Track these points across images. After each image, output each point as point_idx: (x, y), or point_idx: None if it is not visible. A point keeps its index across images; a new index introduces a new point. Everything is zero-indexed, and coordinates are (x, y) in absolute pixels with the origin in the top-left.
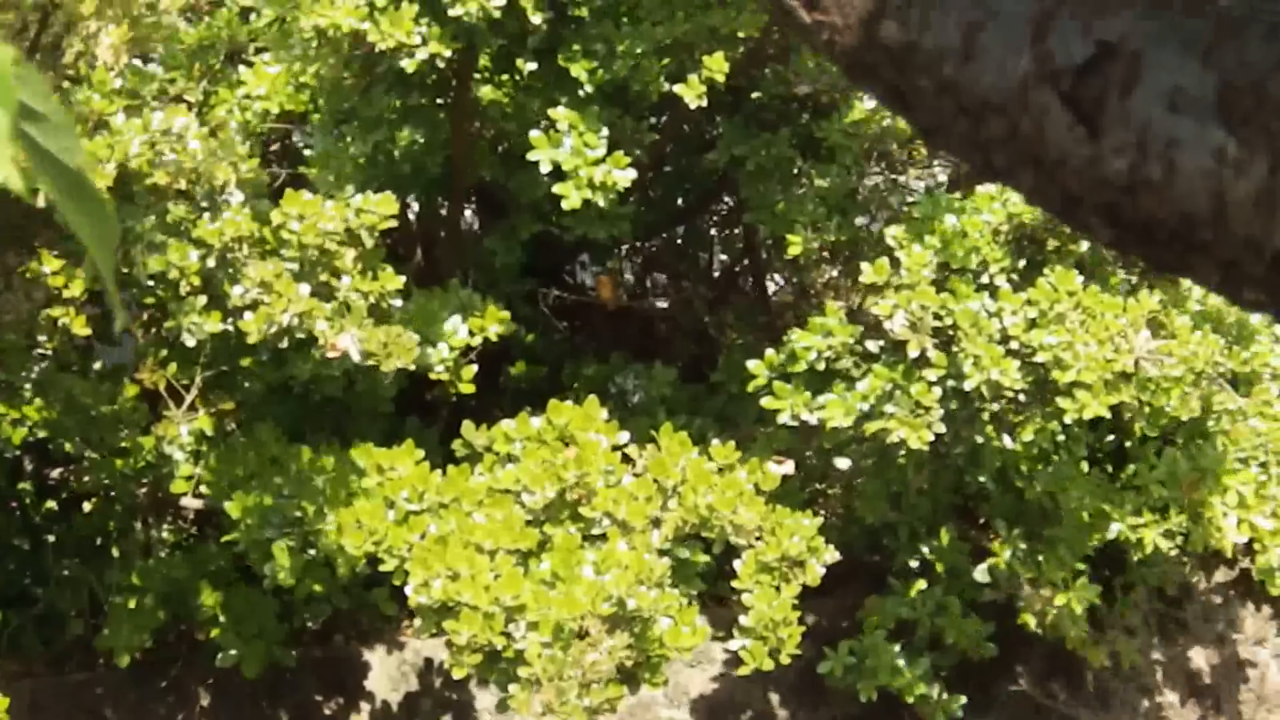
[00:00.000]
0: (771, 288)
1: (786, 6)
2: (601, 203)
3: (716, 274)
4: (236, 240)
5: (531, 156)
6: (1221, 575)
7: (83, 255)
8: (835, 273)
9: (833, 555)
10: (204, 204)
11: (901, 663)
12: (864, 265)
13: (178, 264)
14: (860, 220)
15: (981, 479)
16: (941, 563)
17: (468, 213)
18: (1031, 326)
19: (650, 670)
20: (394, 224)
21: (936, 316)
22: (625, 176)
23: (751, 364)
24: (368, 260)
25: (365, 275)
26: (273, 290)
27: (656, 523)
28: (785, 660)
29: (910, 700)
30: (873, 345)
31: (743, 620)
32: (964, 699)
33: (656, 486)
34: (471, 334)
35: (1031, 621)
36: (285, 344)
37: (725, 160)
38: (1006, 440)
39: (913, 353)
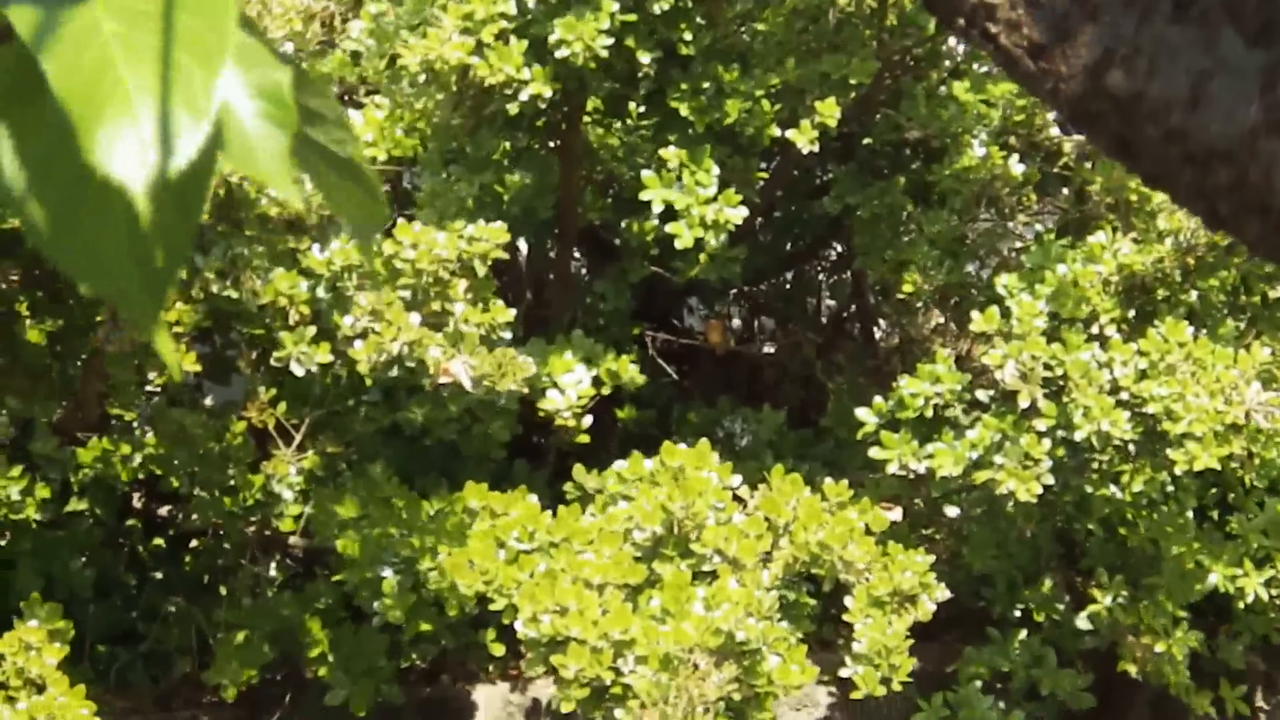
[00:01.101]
0: (878, 334)
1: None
2: (713, 242)
3: (824, 319)
4: (346, 269)
5: (644, 197)
6: None
7: (189, 287)
8: (943, 319)
9: (944, 593)
10: (313, 235)
11: (995, 715)
12: (974, 313)
13: (286, 292)
14: (969, 266)
15: (1090, 527)
16: (1041, 612)
17: (576, 256)
18: (1142, 377)
19: (758, 706)
20: (504, 256)
21: (1047, 367)
22: (737, 214)
23: (861, 412)
24: (479, 291)
25: (476, 306)
26: (383, 319)
27: (767, 560)
28: (897, 688)
29: None
30: (982, 394)
31: (855, 647)
32: None
33: (768, 525)
34: (599, 383)
35: (1132, 669)
36: (395, 372)
37: (839, 209)
38: (1114, 489)
39: (1023, 403)
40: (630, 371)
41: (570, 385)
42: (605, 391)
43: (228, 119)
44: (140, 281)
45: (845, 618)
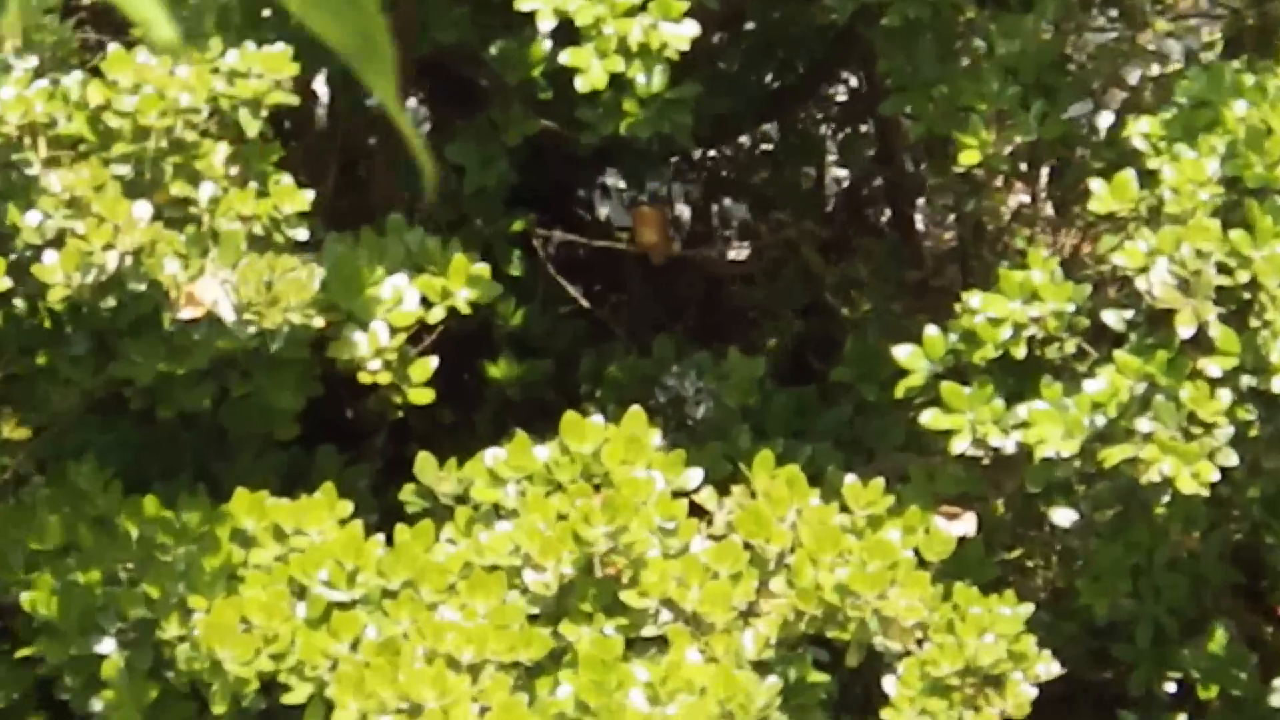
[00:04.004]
0: (922, 224)
1: None
2: (643, 80)
3: (830, 202)
4: (27, 130)
5: (523, 5)
6: None
7: None
8: (1029, 197)
9: (1051, 667)
10: None
11: None
12: (1092, 184)
13: None
14: (1077, 108)
15: None
16: (1212, 684)
17: (414, 103)
18: None
19: None
20: (292, 102)
21: (1223, 269)
22: (681, 34)
23: (901, 353)
24: (249, 163)
25: (245, 188)
26: (90, 212)
27: (750, 616)
28: None
29: None
30: (1111, 318)
31: None
32: None
33: (750, 556)
34: (427, 304)
35: None
36: (110, 301)
37: (851, 10)
38: None
39: (1184, 330)
40: (483, 281)
41: (381, 310)
42: (433, 319)
43: None
44: (380, 46)
45: (884, 715)
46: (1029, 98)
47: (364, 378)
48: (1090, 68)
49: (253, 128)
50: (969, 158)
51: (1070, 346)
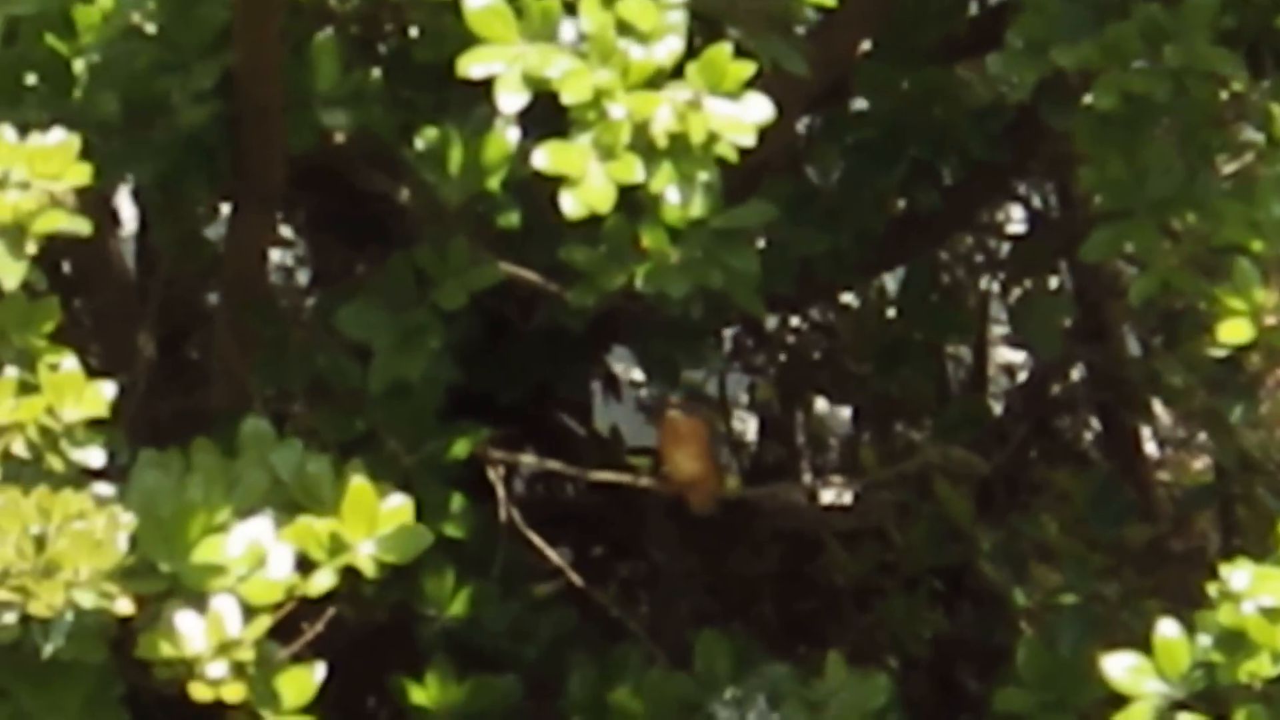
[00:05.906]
0: (1156, 447)
1: None
2: (675, 197)
3: (997, 406)
4: None
5: (471, 69)
6: None
7: None
8: None
9: None
10: None
11: None
12: None
13: None
14: None
15: None
16: None
17: (287, 235)
18: None
19: None
20: (82, 232)
21: None
22: (745, 119)
23: (1115, 665)
24: (6, 334)
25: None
26: None
27: None
28: None
29: None
30: None
31: None
32: None
33: None
34: (306, 566)
35: None
36: None
37: (1029, 85)
38: None
39: None
40: (404, 527)
41: (228, 577)
42: (318, 589)
43: None
44: None
45: None
46: None
47: (198, 693)
48: None
49: (11, 274)
50: (1234, 332)
51: None
